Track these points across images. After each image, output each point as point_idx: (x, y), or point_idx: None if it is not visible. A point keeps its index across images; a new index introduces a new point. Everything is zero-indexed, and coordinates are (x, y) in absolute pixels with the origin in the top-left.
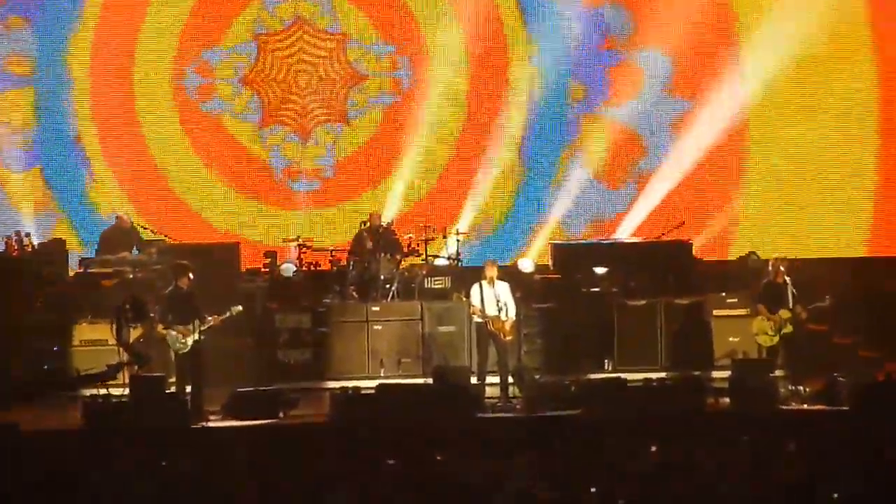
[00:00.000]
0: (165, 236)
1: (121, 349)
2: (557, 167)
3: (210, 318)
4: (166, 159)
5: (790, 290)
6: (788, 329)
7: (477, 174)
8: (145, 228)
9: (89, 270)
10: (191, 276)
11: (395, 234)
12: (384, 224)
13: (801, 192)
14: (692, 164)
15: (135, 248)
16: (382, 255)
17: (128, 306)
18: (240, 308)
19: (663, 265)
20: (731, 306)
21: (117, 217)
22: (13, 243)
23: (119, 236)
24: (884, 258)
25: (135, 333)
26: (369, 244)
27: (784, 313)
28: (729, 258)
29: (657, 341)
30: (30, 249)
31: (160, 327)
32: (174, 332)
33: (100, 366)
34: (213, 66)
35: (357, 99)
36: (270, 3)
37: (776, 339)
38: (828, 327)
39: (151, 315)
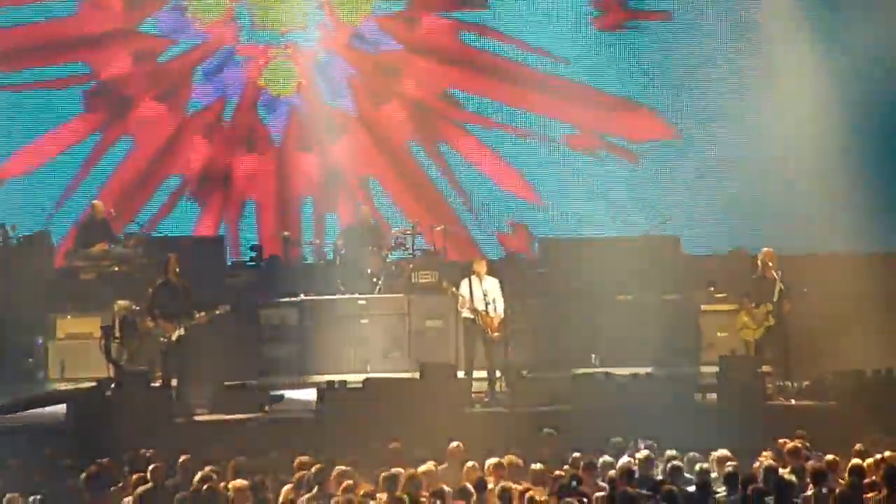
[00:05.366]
0: (142, 227)
1: (109, 366)
2: None
3: (197, 315)
4: None
5: (778, 284)
6: (771, 322)
7: None
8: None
9: (73, 264)
10: (177, 269)
11: (383, 228)
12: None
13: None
14: None
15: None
16: (369, 248)
17: (116, 323)
18: (227, 307)
19: (651, 260)
20: (719, 301)
21: (92, 205)
22: None
23: (96, 227)
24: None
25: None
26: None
27: (767, 306)
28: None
29: (645, 337)
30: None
31: (147, 320)
32: (160, 326)
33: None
34: None
35: None
36: None
37: (759, 332)
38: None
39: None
